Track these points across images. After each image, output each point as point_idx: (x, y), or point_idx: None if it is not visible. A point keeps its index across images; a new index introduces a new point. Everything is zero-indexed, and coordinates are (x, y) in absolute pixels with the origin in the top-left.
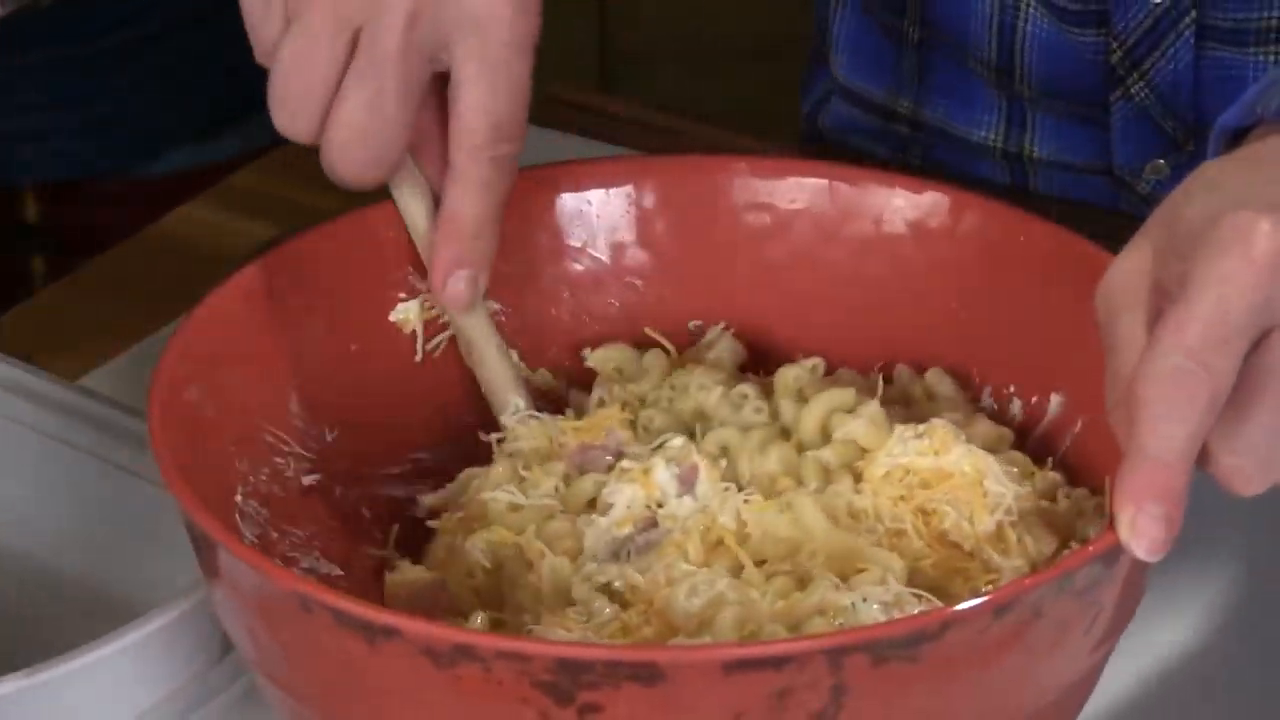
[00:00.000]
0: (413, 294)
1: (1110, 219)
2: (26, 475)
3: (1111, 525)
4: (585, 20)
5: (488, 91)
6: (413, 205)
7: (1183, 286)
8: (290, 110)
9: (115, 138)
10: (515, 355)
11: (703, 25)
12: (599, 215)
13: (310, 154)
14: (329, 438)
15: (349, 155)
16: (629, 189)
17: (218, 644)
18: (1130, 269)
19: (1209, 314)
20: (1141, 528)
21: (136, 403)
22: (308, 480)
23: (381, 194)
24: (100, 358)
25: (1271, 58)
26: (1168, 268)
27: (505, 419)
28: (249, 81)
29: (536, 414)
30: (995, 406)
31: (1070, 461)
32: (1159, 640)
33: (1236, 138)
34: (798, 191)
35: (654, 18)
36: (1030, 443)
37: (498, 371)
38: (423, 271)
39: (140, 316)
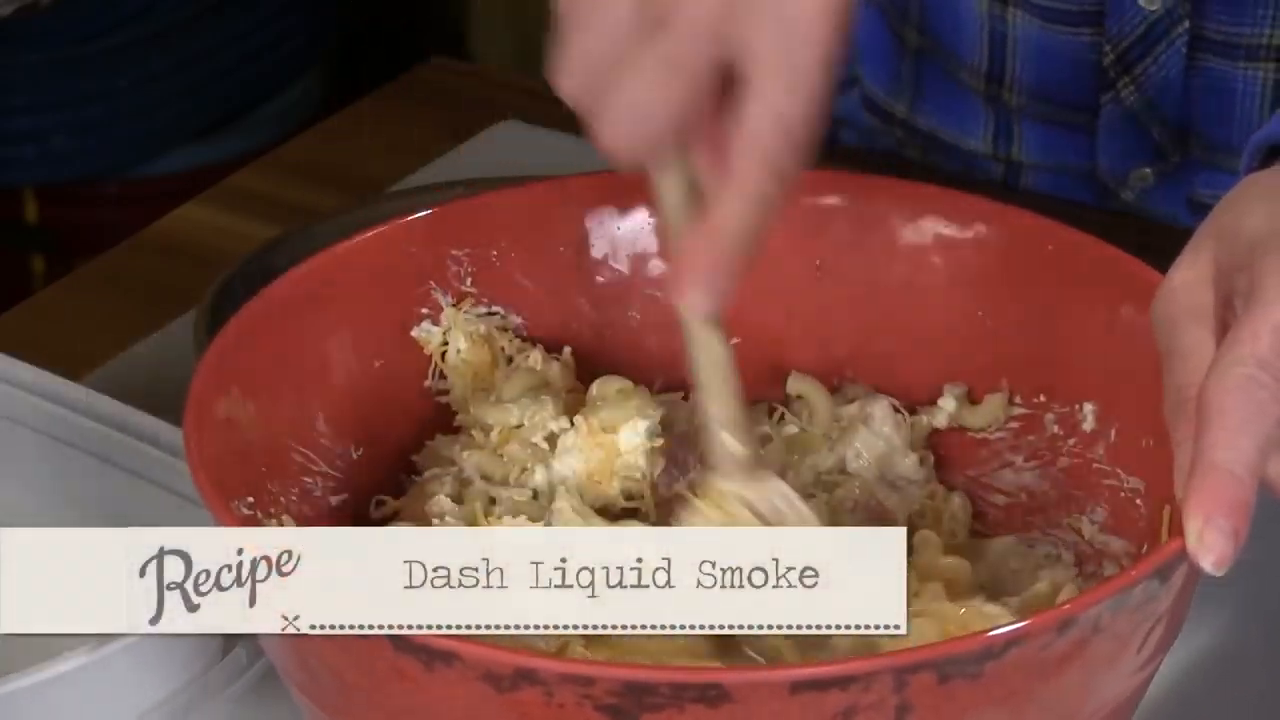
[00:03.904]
0: (436, 310)
1: (1101, 217)
2: (26, 475)
3: (1161, 540)
4: None
5: (785, 95)
6: (673, 193)
7: (1251, 297)
8: (574, 68)
9: (115, 138)
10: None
11: None
12: (620, 227)
13: (310, 154)
14: (355, 455)
15: (622, 125)
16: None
17: (218, 644)
18: (1191, 279)
19: None
20: (1210, 541)
21: (136, 403)
22: (335, 500)
23: (395, 210)
24: (100, 358)
25: (1260, 73)
26: (1232, 279)
27: (711, 462)
28: (249, 81)
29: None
30: (1028, 415)
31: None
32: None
33: (1269, 155)
34: (819, 201)
35: None
36: (1066, 450)
37: (713, 404)
38: (444, 286)
39: (140, 316)
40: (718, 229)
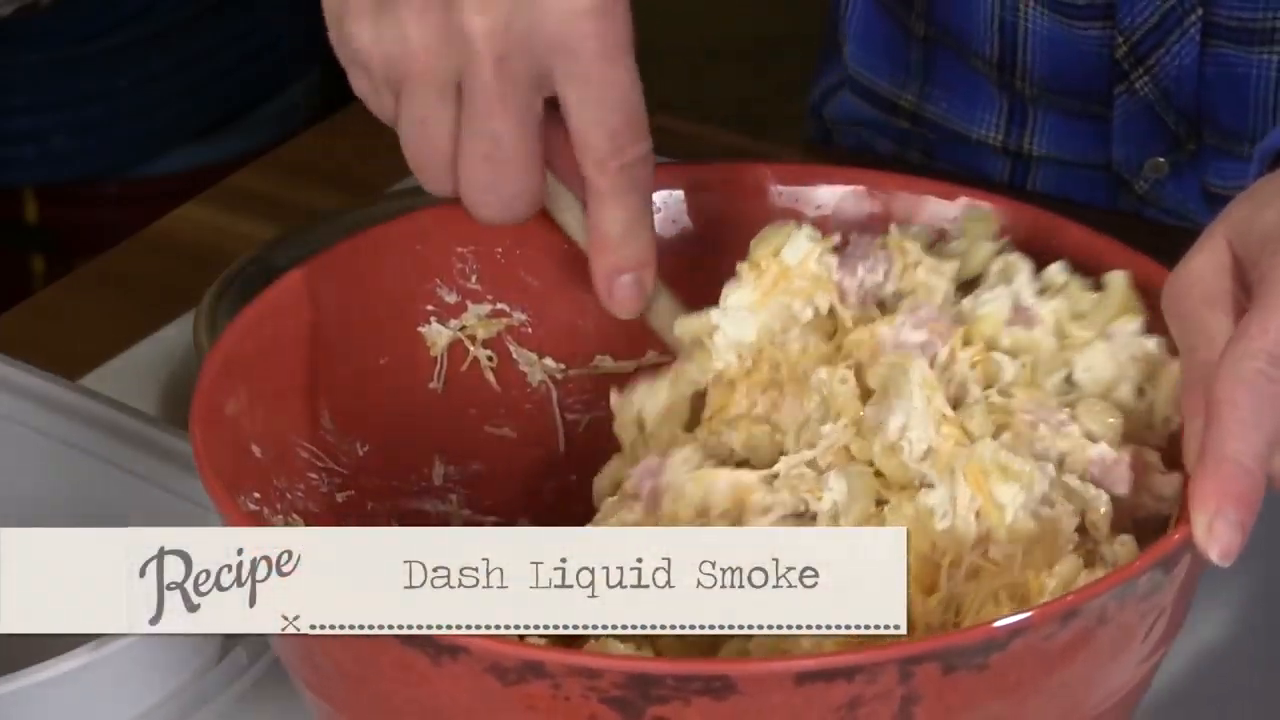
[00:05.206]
0: (442, 307)
1: (1109, 218)
2: (26, 475)
3: (1167, 530)
4: None
5: (594, 108)
6: (570, 222)
7: (1261, 291)
8: (425, 176)
9: (115, 138)
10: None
11: (703, 25)
12: None
13: (310, 154)
14: (361, 452)
15: (485, 203)
16: (653, 196)
17: (217, 644)
18: (1206, 266)
19: None
20: (1218, 532)
21: (136, 403)
22: (341, 497)
23: (395, 210)
24: (100, 358)
25: (1273, 58)
26: (1245, 270)
27: None
28: (249, 81)
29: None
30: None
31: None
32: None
33: (1276, 161)
34: (825, 197)
35: (654, 18)
36: None
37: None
38: (449, 284)
39: (140, 316)
40: (596, 232)
